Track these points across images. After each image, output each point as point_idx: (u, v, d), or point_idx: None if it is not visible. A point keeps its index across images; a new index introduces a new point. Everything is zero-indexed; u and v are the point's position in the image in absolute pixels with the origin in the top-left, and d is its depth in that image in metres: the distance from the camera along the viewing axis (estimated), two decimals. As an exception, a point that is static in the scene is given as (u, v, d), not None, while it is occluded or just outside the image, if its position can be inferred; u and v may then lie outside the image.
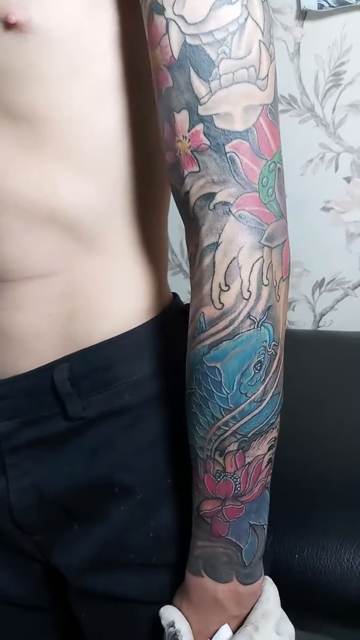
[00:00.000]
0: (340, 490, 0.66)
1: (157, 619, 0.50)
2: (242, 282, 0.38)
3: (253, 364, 0.39)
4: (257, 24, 0.37)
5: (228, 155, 0.37)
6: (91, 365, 0.47)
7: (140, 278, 0.49)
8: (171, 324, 0.50)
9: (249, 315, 0.38)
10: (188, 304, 0.46)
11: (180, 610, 0.46)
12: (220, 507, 0.43)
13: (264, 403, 0.40)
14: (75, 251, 0.45)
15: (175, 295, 0.55)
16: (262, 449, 0.42)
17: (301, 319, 1.31)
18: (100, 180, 0.44)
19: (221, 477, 0.42)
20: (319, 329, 1.31)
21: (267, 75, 0.37)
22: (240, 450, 0.41)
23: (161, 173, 0.49)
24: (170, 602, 0.48)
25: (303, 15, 1.08)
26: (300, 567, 0.60)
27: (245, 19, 0.36)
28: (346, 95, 1.11)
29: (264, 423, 0.41)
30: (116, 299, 0.48)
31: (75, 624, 0.56)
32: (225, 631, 0.44)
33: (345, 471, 0.70)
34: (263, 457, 0.42)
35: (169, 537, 0.49)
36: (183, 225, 0.41)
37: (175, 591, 0.48)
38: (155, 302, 0.50)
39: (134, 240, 0.48)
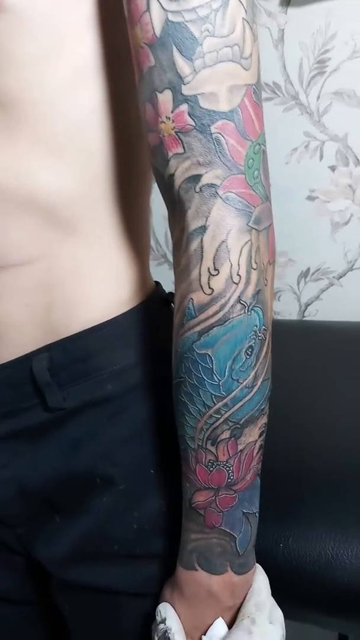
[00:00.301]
0: (326, 480, 0.66)
1: (142, 611, 0.49)
2: (231, 265, 0.37)
3: (244, 350, 0.38)
4: (240, 2, 0.36)
5: (214, 136, 0.36)
6: (71, 355, 0.46)
7: (122, 266, 0.48)
8: (154, 312, 0.50)
9: (239, 300, 0.37)
10: (171, 293, 0.45)
11: (172, 605, 0.45)
12: (213, 497, 0.42)
13: (255, 389, 0.40)
14: (53, 239, 0.44)
15: (157, 283, 0.55)
16: (253, 436, 0.41)
17: (286, 309, 1.31)
18: (78, 165, 0.43)
19: (214, 466, 0.41)
20: (304, 318, 1.31)
21: (251, 54, 0.36)
22: (233, 438, 0.40)
23: (143, 158, 0.47)
24: (156, 595, 0.48)
25: (287, 1, 1.07)
26: (285, 556, 0.60)
27: None
28: (331, 83, 1.10)
29: (255, 409, 0.40)
30: (96, 288, 0.46)
31: (60, 616, 0.55)
32: (219, 625, 0.44)
33: (331, 461, 0.70)
34: (254, 444, 0.42)
35: (153, 528, 0.49)
36: (167, 214, 0.40)
37: (162, 583, 0.48)
38: (137, 290, 0.49)
39: (115, 227, 0.46)
